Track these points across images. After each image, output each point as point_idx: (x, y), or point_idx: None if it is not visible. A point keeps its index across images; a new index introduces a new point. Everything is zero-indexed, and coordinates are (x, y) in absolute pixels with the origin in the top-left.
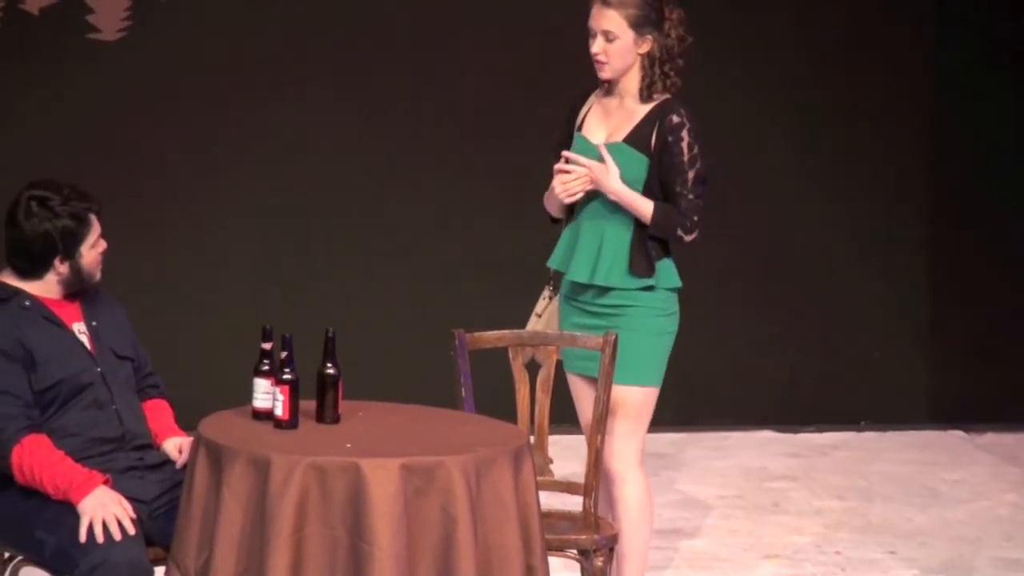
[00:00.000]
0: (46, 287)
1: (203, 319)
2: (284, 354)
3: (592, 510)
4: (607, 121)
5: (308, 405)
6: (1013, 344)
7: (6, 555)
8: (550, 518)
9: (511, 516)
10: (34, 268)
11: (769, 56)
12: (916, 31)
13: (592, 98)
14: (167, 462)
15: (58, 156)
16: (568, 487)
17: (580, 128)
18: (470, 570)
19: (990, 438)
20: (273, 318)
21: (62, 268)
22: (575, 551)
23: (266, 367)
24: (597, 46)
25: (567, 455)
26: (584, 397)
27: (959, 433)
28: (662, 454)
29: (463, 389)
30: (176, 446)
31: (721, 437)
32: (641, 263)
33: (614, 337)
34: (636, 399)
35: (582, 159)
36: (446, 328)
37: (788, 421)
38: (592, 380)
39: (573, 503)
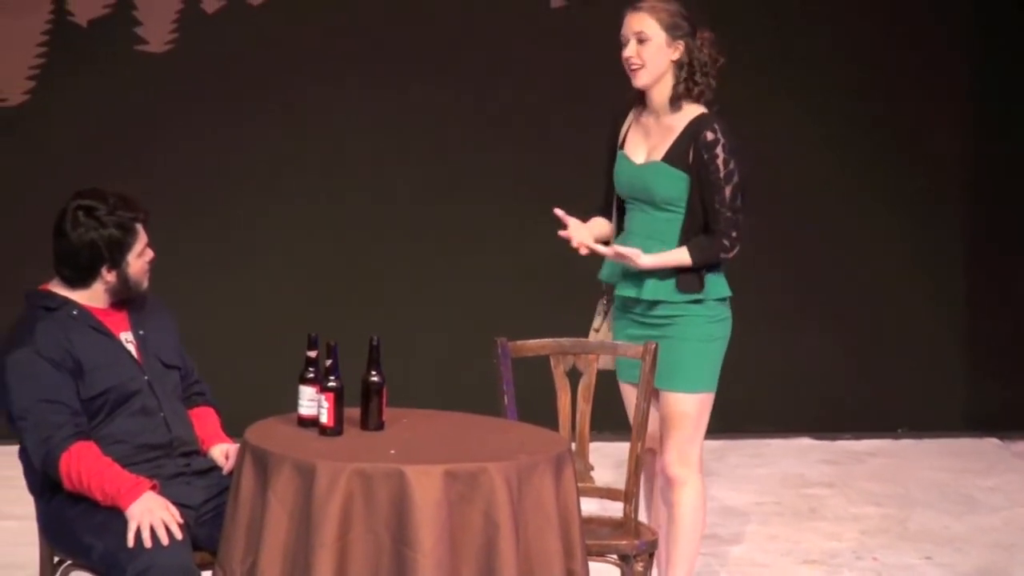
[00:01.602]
0: (94, 296)
1: (250, 328)
2: (329, 362)
3: (632, 516)
4: (647, 140)
5: (353, 412)
6: None
7: (56, 559)
8: (591, 524)
9: (552, 522)
10: (81, 277)
11: (813, 70)
12: (956, 44)
13: (631, 115)
14: (214, 468)
15: (105, 164)
16: (609, 493)
17: (622, 146)
18: (512, 574)
19: None
20: (318, 326)
21: (109, 277)
22: (615, 556)
23: (311, 375)
24: (630, 49)
25: (608, 462)
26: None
27: (994, 441)
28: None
29: (505, 396)
30: (223, 452)
31: (760, 444)
32: (689, 281)
33: (654, 346)
34: (691, 405)
35: (604, 250)
36: (489, 336)
37: (826, 428)
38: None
39: (614, 509)
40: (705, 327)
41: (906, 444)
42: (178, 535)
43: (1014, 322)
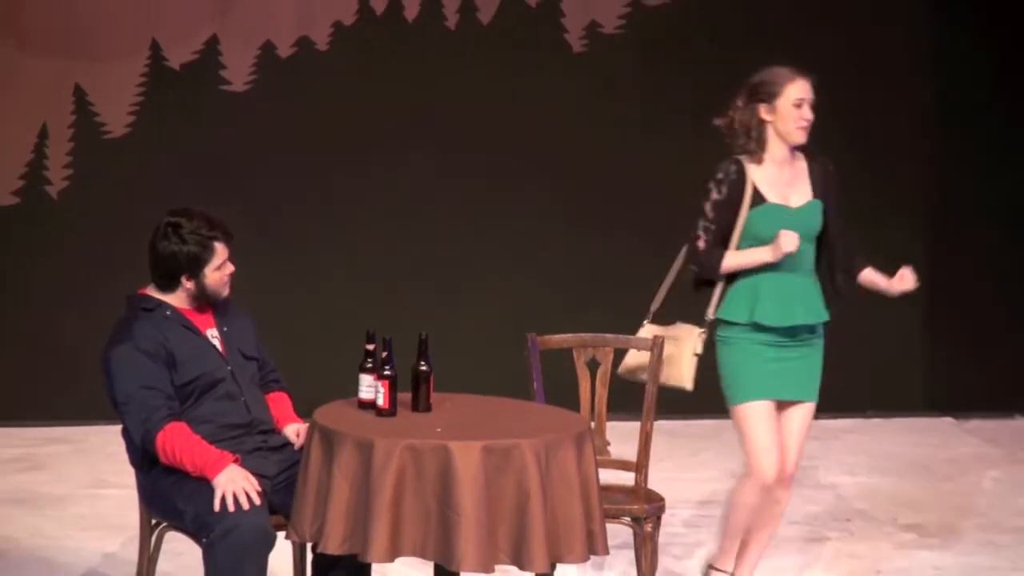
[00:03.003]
0: (181, 299)
1: (319, 326)
2: (385, 354)
3: (643, 484)
4: (789, 186)
5: (405, 397)
6: (995, 344)
7: (153, 522)
8: (607, 491)
9: (575, 489)
10: (167, 283)
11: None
12: (916, 51)
13: (749, 167)
14: (287, 444)
15: (195, 188)
16: (623, 465)
17: (764, 199)
18: (541, 535)
19: (975, 424)
20: (376, 324)
21: (188, 285)
22: (628, 518)
23: (370, 365)
24: (809, 112)
25: (622, 439)
26: (775, 418)
27: (949, 420)
28: (702, 437)
29: (535, 383)
30: (295, 431)
31: None
32: (833, 300)
33: (662, 340)
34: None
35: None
36: (521, 332)
37: None
38: (782, 403)
39: (627, 478)
40: (822, 344)
41: (875, 423)
42: (257, 501)
43: (967, 316)
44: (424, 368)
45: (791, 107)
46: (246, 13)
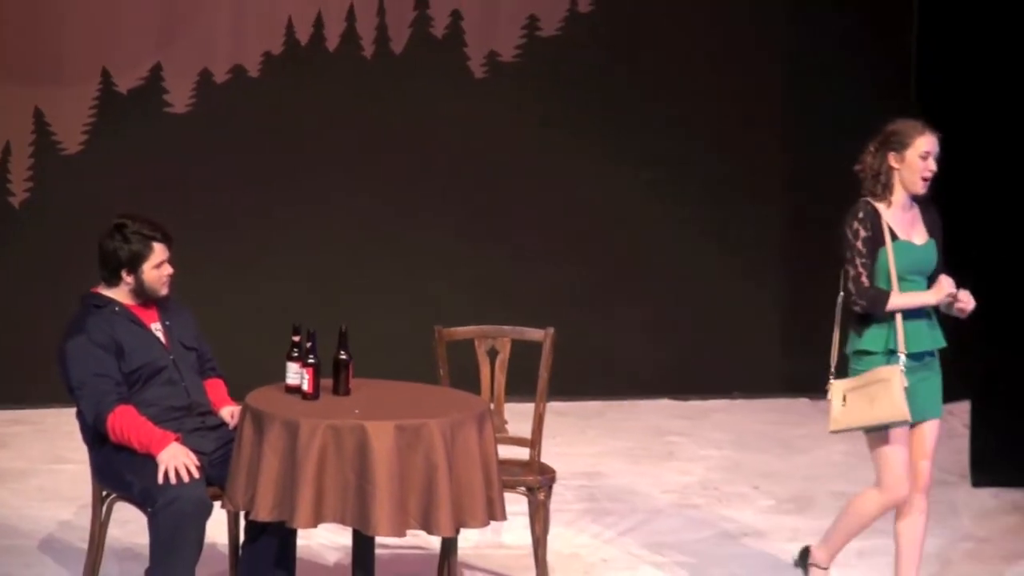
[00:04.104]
0: (125, 295)
1: (251, 319)
2: (309, 344)
3: (537, 458)
4: (912, 228)
5: (327, 382)
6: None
7: (104, 493)
8: (505, 464)
9: (476, 463)
10: (110, 278)
11: (641, 77)
12: (774, 54)
13: (879, 208)
14: (222, 424)
15: (142, 197)
16: (519, 441)
17: (896, 237)
18: (446, 503)
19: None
20: (301, 318)
21: (129, 280)
22: (524, 488)
23: (296, 354)
24: (934, 165)
25: (518, 418)
26: (909, 441)
27: (805, 400)
28: (589, 416)
29: (442, 369)
30: (229, 412)
31: (632, 404)
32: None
33: (552, 331)
34: None
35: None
36: (430, 325)
37: (680, 392)
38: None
39: (522, 453)
40: (938, 362)
41: (739, 403)
42: (196, 475)
43: (821, 303)
44: (344, 357)
45: (918, 158)
46: (186, 44)
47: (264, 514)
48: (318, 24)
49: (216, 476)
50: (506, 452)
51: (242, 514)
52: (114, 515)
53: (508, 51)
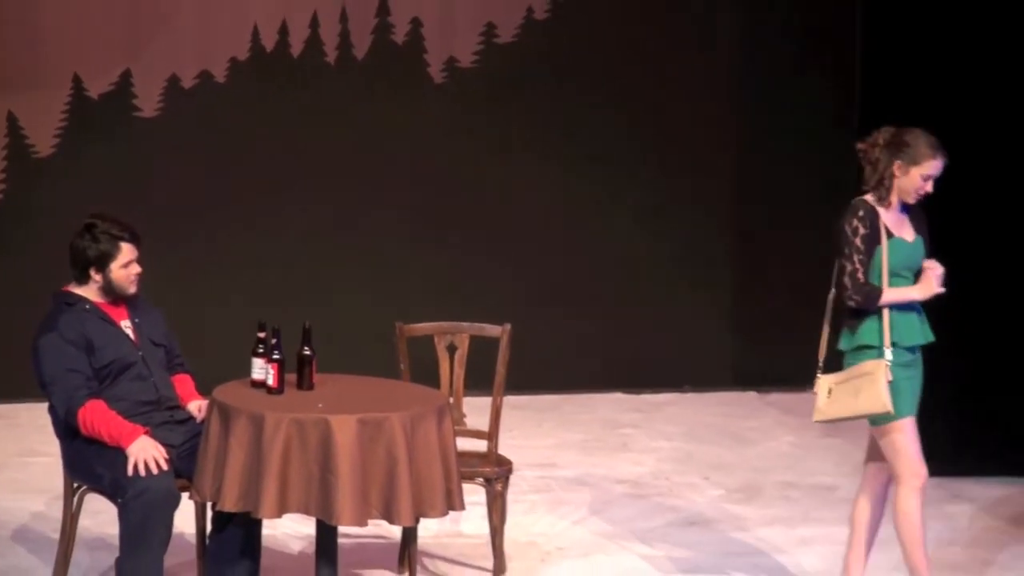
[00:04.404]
0: (95, 293)
1: (218, 317)
2: (274, 340)
3: (494, 450)
4: (903, 226)
5: (291, 377)
6: (790, 328)
7: (75, 485)
8: (464, 456)
9: (436, 455)
10: (80, 276)
11: (591, 78)
12: (722, 58)
13: (878, 209)
14: (190, 418)
15: (112, 197)
16: (477, 434)
17: (891, 235)
18: (407, 494)
19: (775, 397)
20: (266, 315)
21: (97, 278)
22: (482, 479)
23: (261, 350)
24: (931, 187)
25: (476, 412)
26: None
27: (753, 393)
28: (545, 410)
29: (402, 364)
30: (197, 407)
31: (586, 398)
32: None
33: (509, 327)
34: None
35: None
36: (391, 321)
37: (633, 386)
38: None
39: (480, 445)
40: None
41: (690, 397)
42: (164, 467)
43: (769, 303)
44: (307, 353)
45: (920, 178)
46: (155, 50)
47: (230, 505)
48: (283, 31)
49: (184, 468)
50: (464, 444)
51: (209, 505)
52: (85, 506)
53: (466, 57)
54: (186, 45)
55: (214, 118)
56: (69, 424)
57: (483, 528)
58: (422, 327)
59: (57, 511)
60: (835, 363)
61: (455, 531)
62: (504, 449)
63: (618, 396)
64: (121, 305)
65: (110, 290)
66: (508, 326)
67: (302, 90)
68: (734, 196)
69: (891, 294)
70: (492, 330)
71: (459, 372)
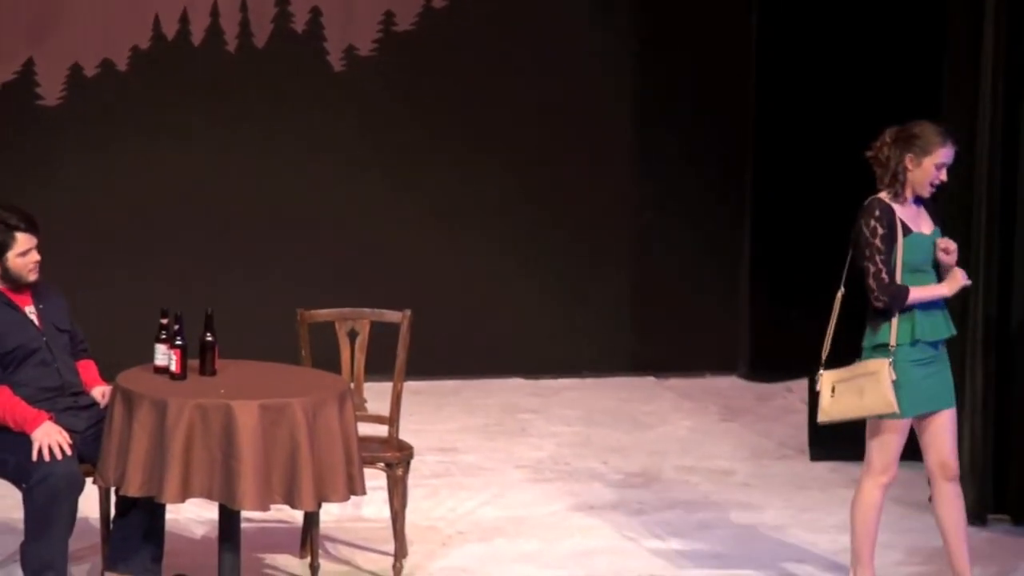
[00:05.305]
0: None
1: (121, 303)
2: (176, 327)
3: (395, 435)
4: (920, 219)
5: (194, 363)
6: (687, 314)
7: None
8: (365, 441)
9: (337, 440)
10: None
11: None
12: (622, 53)
13: (893, 206)
14: (94, 404)
15: (16, 186)
16: (378, 419)
17: (909, 232)
18: (309, 478)
19: (673, 382)
20: (169, 301)
21: None
22: (383, 464)
23: (164, 336)
24: (945, 175)
25: (377, 397)
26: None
27: (651, 378)
28: (445, 395)
29: (304, 350)
30: (100, 392)
31: (487, 383)
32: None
33: (410, 313)
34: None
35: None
36: (293, 308)
37: (532, 371)
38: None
39: (381, 430)
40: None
41: (589, 382)
42: (68, 452)
43: (666, 291)
44: (210, 339)
45: (933, 167)
46: (57, 39)
47: (134, 490)
48: (184, 19)
49: (88, 453)
50: (365, 429)
51: (113, 490)
52: None
53: (366, 45)
54: (88, 34)
55: (117, 106)
56: None
57: (384, 512)
58: (323, 313)
59: None
60: (836, 362)
61: (356, 515)
62: (405, 434)
63: (518, 381)
64: (25, 291)
65: (9, 278)
66: (409, 312)
67: (203, 78)
68: (636, 179)
69: (918, 292)
70: (393, 316)
71: (360, 358)
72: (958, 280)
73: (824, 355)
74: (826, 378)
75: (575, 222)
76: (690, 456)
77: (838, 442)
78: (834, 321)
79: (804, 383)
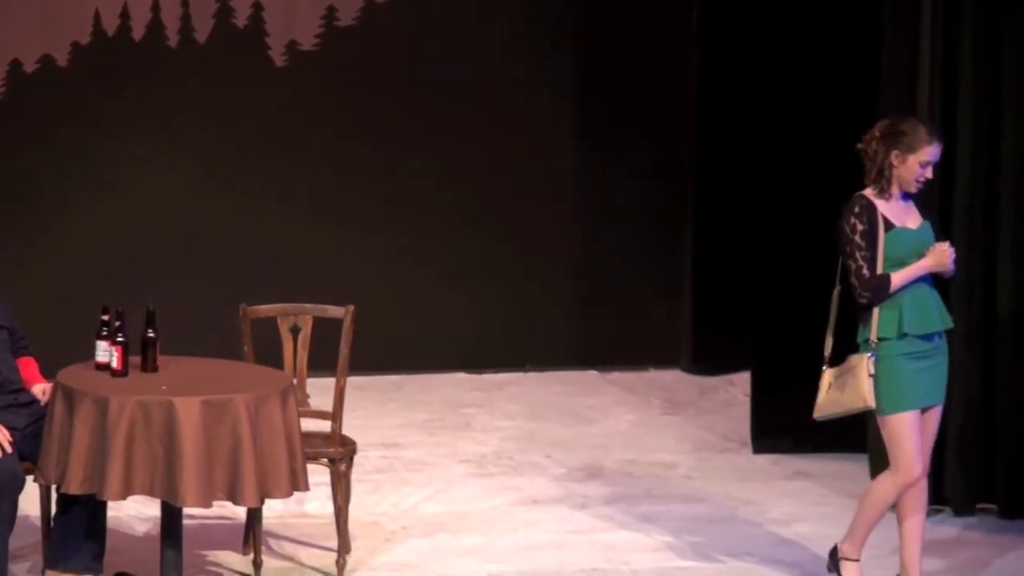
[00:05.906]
0: None
1: (62, 300)
2: (118, 323)
3: (338, 431)
4: (907, 214)
5: (135, 360)
6: (630, 307)
7: None
8: (308, 437)
9: (280, 435)
10: None
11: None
12: (561, 47)
13: (876, 202)
14: (34, 401)
15: None
16: (321, 415)
17: (891, 227)
18: (252, 475)
19: (616, 375)
20: (110, 298)
21: None
22: (326, 460)
23: (105, 332)
24: (931, 173)
25: (320, 392)
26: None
27: (594, 372)
28: (388, 390)
29: (246, 346)
30: (41, 389)
31: (429, 378)
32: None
33: (353, 308)
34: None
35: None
36: (236, 304)
37: (475, 366)
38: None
39: (324, 426)
40: (946, 345)
41: (532, 376)
42: (8, 449)
43: (608, 285)
44: (151, 335)
45: (918, 165)
46: None
47: (75, 487)
48: (124, 15)
49: (28, 451)
50: (308, 425)
51: (54, 487)
52: None
53: (308, 40)
54: (28, 29)
55: (56, 102)
56: None
57: (327, 508)
58: (266, 309)
59: None
60: (837, 361)
61: (300, 511)
62: (348, 430)
63: (460, 376)
64: None
65: None
66: (352, 308)
67: (145, 74)
68: (578, 178)
69: (899, 276)
70: (335, 311)
71: (302, 353)
72: (943, 252)
73: (826, 353)
74: (826, 375)
75: (517, 217)
76: (633, 449)
77: (780, 435)
78: (833, 319)
79: (746, 376)
